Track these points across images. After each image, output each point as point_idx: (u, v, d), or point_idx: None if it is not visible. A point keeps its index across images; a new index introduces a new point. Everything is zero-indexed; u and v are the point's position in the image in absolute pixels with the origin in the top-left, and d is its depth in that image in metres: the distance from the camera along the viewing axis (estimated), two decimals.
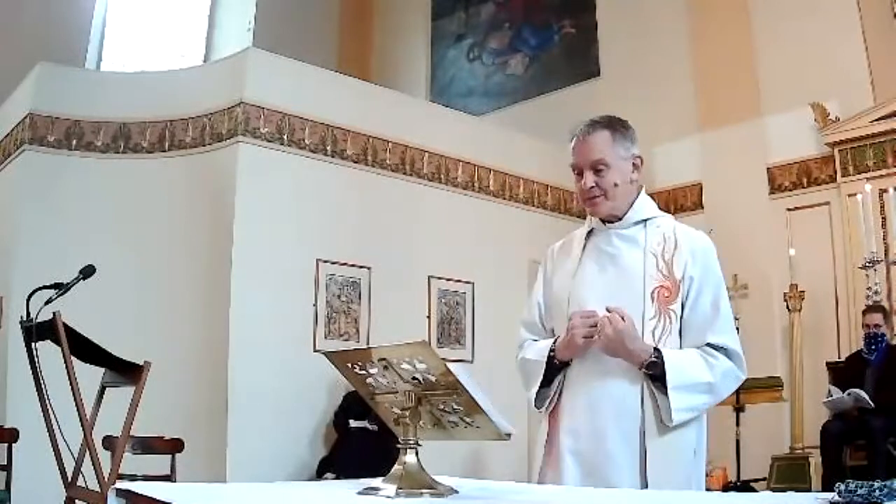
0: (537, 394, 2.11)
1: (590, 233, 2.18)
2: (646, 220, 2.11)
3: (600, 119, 2.11)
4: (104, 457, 3.24)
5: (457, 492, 1.61)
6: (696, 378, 1.94)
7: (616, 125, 2.11)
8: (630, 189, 2.11)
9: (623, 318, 1.93)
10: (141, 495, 1.58)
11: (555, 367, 2.08)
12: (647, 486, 1.91)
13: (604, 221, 2.13)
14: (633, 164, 2.10)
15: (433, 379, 1.59)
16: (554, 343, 2.09)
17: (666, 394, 1.92)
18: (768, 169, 7.07)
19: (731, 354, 1.99)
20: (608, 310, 1.95)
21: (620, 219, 2.11)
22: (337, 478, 4.97)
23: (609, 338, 1.94)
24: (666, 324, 2.00)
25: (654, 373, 1.94)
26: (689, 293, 2.02)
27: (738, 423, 5.86)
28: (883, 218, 6.15)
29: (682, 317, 2.02)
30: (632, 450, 1.95)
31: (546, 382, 2.09)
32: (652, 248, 2.06)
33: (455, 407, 1.62)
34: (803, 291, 6.28)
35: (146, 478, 3.52)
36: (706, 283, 2.03)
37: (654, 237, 2.08)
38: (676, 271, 2.03)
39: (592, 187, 2.07)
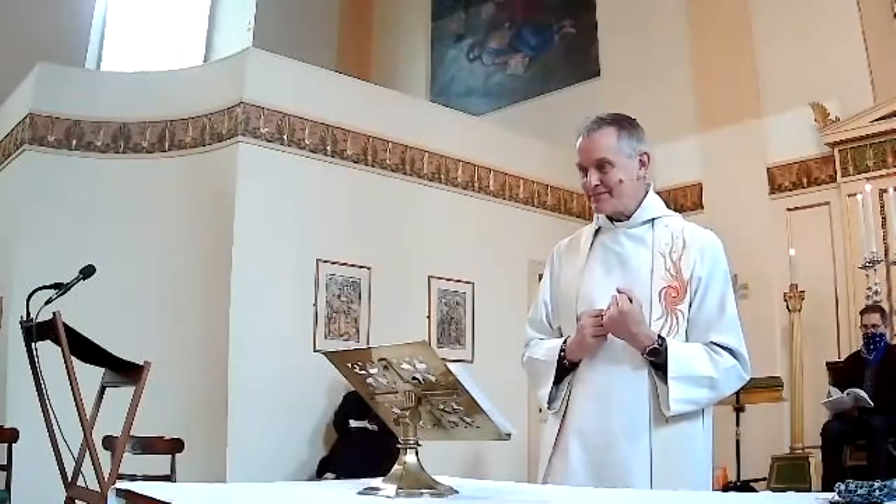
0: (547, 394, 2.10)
1: (597, 231, 2.16)
2: (654, 220, 2.10)
3: (606, 116, 2.09)
4: (104, 457, 3.24)
5: (457, 492, 1.61)
6: (698, 371, 1.94)
7: (622, 122, 2.08)
8: (637, 186, 2.08)
9: (631, 300, 1.93)
10: (141, 495, 1.58)
11: (565, 368, 2.07)
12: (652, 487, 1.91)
13: (611, 220, 2.12)
14: (640, 160, 2.07)
15: (433, 379, 1.59)
16: (564, 343, 2.07)
17: (666, 382, 1.92)
18: (768, 169, 7.07)
19: (735, 354, 1.98)
20: (618, 290, 1.95)
21: (628, 217, 2.09)
22: (337, 478, 4.96)
23: (612, 317, 1.93)
24: (673, 324, 1.99)
25: (657, 361, 1.94)
26: (696, 293, 2.01)
27: (738, 423, 5.86)
28: (883, 218, 6.14)
29: (688, 317, 2.01)
30: (640, 450, 1.94)
31: (555, 382, 2.08)
32: (660, 248, 2.05)
33: (455, 407, 1.62)
34: (803, 291, 6.27)
35: (146, 478, 3.53)
36: (713, 283, 2.02)
37: (662, 237, 2.07)
38: (685, 272, 2.02)
39: (597, 185, 2.05)
